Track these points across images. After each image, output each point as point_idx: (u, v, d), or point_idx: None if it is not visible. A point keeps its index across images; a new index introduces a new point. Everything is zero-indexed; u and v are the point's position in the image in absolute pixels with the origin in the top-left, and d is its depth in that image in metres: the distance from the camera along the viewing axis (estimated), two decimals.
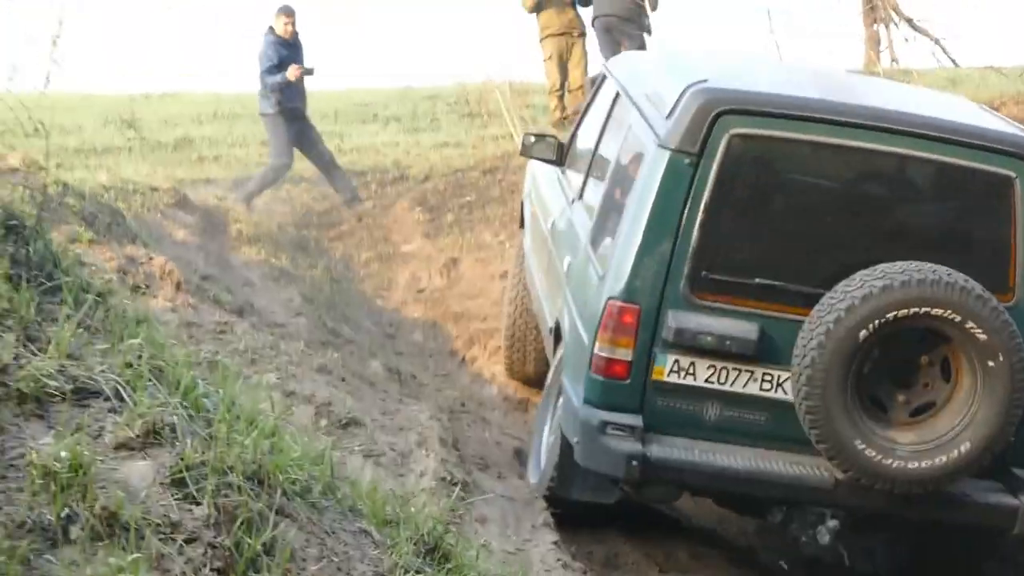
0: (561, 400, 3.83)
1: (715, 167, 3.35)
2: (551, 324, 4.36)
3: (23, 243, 2.15)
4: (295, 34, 8.94)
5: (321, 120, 10.30)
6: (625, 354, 3.35)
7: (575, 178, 4.79)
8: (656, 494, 3.85)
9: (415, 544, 2.00)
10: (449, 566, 2.05)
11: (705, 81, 3.52)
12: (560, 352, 4.12)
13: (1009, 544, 3.86)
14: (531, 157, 5.39)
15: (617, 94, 4.57)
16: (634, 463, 3.27)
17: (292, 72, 8.63)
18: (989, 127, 3.83)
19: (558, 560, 3.38)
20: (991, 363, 3.15)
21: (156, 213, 7.27)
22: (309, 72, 8.94)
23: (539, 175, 5.65)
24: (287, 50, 8.79)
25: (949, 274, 3.19)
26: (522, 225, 6.00)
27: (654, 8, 9.33)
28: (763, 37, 10.92)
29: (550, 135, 5.42)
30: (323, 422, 3.92)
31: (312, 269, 7.37)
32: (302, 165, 9.13)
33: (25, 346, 1.81)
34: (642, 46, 9.27)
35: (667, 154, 3.38)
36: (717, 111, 3.36)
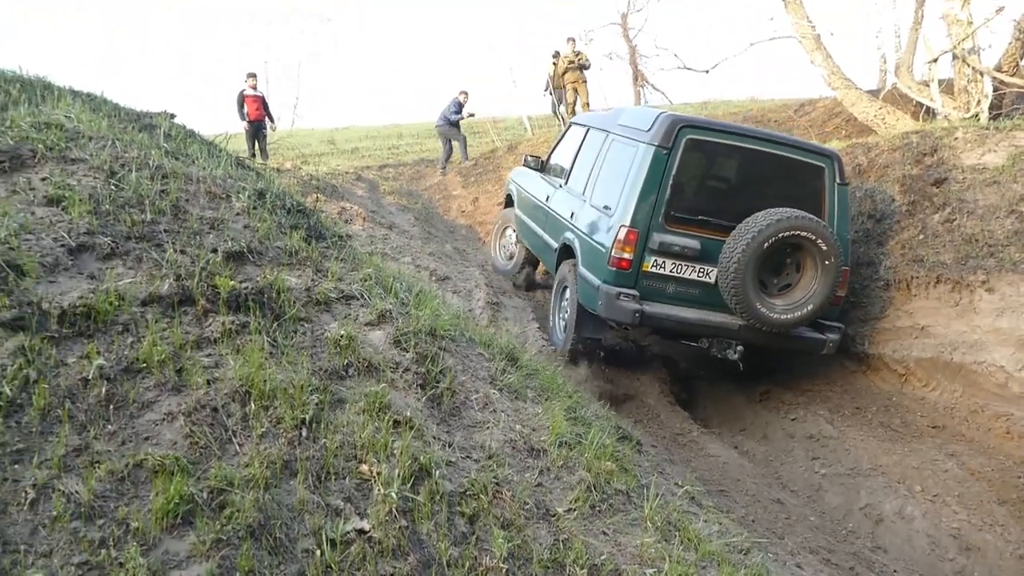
0: (578, 284, 6.11)
1: (678, 155, 5.59)
2: (556, 245, 6.93)
3: (307, 218, 3.84)
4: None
5: (403, 138, 22.57)
6: (629, 255, 5.65)
7: (554, 178, 7.61)
8: (642, 331, 6.51)
9: (503, 356, 3.86)
10: (518, 364, 3.92)
11: (664, 112, 5.70)
12: (569, 261, 6.47)
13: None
14: (527, 167, 8.39)
15: (587, 130, 7.23)
16: (636, 315, 5.61)
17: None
18: (801, 139, 6.50)
19: (540, 335, 6.61)
20: (827, 262, 5.47)
21: (348, 183, 11.69)
22: None
23: (521, 179, 8.74)
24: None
25: (808, 215, 5.42)
26: (507, 204, 9.33)
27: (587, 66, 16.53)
28: None
29: (536, 156, 8.45)
30: (433, 279, 6.99)
31: (417, 204, 12.59)
32: (406, 158, 18.66)
33: (315, 276, 3.49)
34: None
35: (653, 148, 5.56)
36: (680, 125, 5.57)
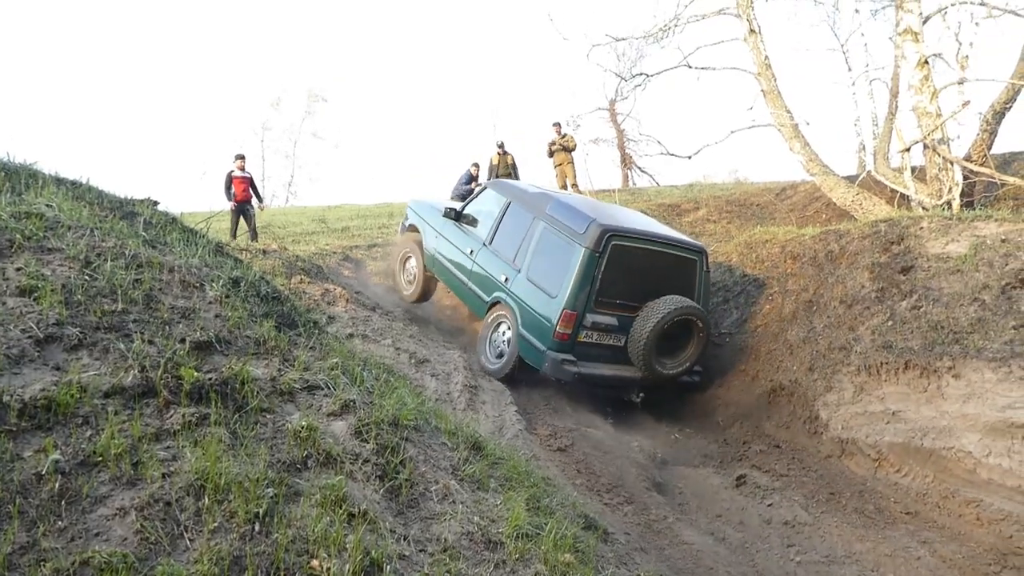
0: (520, 343, 7.62)
1: (606, 257, 7.23)
2: (488, 299, 8.49)
3: (281, 304, 3.92)
4: None
5: (393, 217, 20.06)
6: (570, 330, 7.29)
7: (474, 231, 9.05)
8: (576, 383, 7.55)
9: (468, 444, 3.89)
10: (483, 453, 3.95)
11: (596, 219, 7.51)
12: (498, 311, 8.26)
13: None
14: (446, 217, 9.48)
15: (509, 202, 8.70)
16: (576, 374, 7.16)
17: None
18: (683, 237, 8.51)
19: (518, 419, 6.71)
20: (701, 333, 7.30)
21: (335, 263, 12.04)
22: None
23: (430, 218, 9.98)
24: None
25: (693, 304, 7.36)
26: (403, 231, 10.90)
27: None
28: None
29: (452, 208, 9.60)
30: (412, 361, 7.22)
31: None
32: (396, 237, 15.67)
33: (282, 365, 3.56)
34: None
35: (587, 251, 7.15)
36: (608, 233, 7.40)
